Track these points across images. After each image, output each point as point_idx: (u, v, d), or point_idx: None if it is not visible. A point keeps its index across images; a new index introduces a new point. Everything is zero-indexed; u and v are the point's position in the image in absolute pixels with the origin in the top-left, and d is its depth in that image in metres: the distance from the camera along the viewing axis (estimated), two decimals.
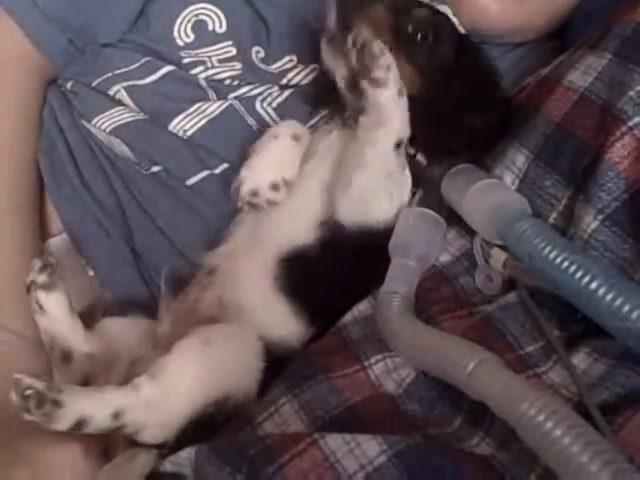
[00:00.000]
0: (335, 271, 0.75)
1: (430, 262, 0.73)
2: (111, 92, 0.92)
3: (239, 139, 0.87)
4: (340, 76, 0.79)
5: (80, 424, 0.62)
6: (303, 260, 0.76)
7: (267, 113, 0.90)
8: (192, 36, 0.91)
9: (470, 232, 0.72)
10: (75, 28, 0.92)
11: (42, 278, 0.74)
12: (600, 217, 0.59)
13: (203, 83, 0.91)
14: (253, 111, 0.90)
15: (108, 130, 0.90)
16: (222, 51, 0.91)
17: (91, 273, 0.91)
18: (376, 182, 0.73)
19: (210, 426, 0.65)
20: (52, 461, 0.69)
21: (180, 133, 0.89)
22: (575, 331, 0.60)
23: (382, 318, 0.66)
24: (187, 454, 0.57)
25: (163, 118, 0.90)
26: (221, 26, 0.91)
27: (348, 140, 0.76)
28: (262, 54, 0.91)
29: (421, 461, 0.52)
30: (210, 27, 0.91)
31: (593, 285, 0.52)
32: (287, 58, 0.91)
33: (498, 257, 0.67)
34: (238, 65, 0.91)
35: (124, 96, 0.91)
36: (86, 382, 0.74)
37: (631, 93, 0.60)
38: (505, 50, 0.95)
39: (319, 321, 0.75)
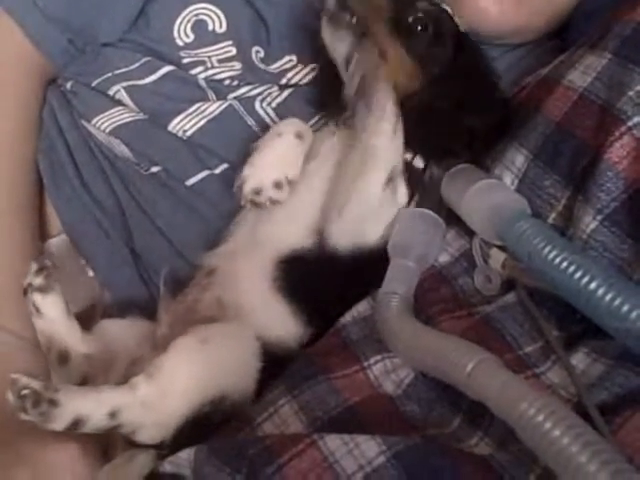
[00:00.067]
0: (333, 273, 0.75)
1: (429, 262, 0.73)
2: (111, 92, 0.92)
3: (239, 139, 0.87)
4: (340, 56, 0.78)
5: (77, 423, 0.62)
6: (301, 262, 0.76)
7: (266, 113, 0.90)
8: (192, 36, 0.91)
9: (469, 232, 0.72)
10: (75, 28, 0.92)
11: (38, 281, 0.74)
12: (599, 217, 0.59)
13: (203, 83, 0.91)
14: (252, 111, 0.90)
15: (108, 130, 0.90)
16: (222, 51, 0.91)
17: (91, 273, 0.91)
18: (369, 210, 0.74)
19: (207, 426, 0.65)
20: (52, 461, 0.69)
21: (180, 133, 0.89)
22: (574, 331, 0.60)
23: (381, 318, 0.66)
24: (186, 455, 0.57)
25: (163, 118, 0.90)
26: (221, 26, 0.91)
27: (348, 142, 0.77)
28: (262, 54, 0.91)
29: (420, 461, 0.52)
30: (210, 27, 0.91)
31: (592, 285, 0.52)
32: (287, 58, 0.91)
33: (497, 257, 0.67)
34: (238, 65, 0.91)
35: (124, 96, 0.91)
36: (84, 383, 0.74)
37: (630, 93, 0.60)
38: (505, 50, 0.95)
39: (318, 322, 0.75)
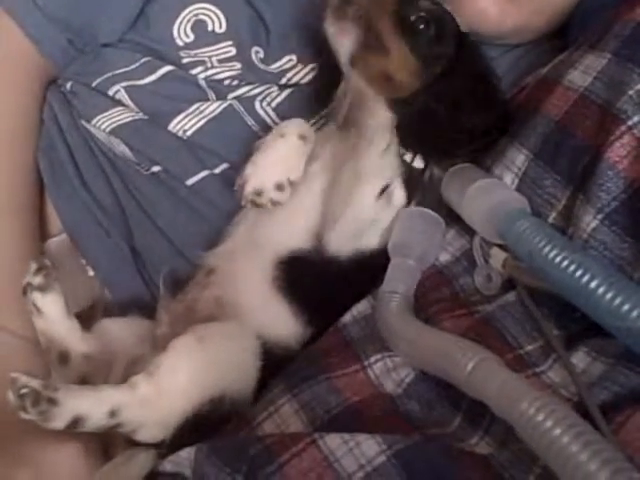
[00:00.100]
0: (333, 273, 0.75)
1: (429, 262, 0.73)
2: (111, 92, 0.92)
3: (239, 139, 0.87)
4: (343, 49, 0.78)
5: (77, 422, 0.62)
6: (300, 263, 0.76)
7: (266, 113, 0.90)
8: (192, 36, 0.91)
9: (470, 232, 0.72)
10: (75, 28, 0.92)
11: (38, 280, 0.74)
12: (599, 216, 0.59)
13: (202, 83, 0.91)
14: (252, 111, 0.90)
15: (108, 130, 0.90)
16: (222, 51, 0.91)
17: (91, 273, 0.91)
18: (364, 221, 0.75)
19: (207, 425, 0.65)
20: (53, 461, 0.69)
21: (180, 133, 0.89)
22: (574, 330, 0.60)
23: (381, 317, 0.66)
24: (186, 454, 0.57)
25: (163, 118, 0.90)
26: (221, 26, 0.91)
27: (348, 143, 0.77)
28: (262, 54, 0.91)
29: (420, 461, 0.52)
30: (210, 27, 0.90)
31: (593, 284, 0.52)
32: (286, 58, 0.91)
33: (497, 257, 0.67)
34: (238, 65, 0.91)
35: (124, 96, 0.91)
36: (84, 382, 0.74)
37: (630, 92, 0.60)
38: (504, 50, 0.95)
39: (317, 321, 0.75)
